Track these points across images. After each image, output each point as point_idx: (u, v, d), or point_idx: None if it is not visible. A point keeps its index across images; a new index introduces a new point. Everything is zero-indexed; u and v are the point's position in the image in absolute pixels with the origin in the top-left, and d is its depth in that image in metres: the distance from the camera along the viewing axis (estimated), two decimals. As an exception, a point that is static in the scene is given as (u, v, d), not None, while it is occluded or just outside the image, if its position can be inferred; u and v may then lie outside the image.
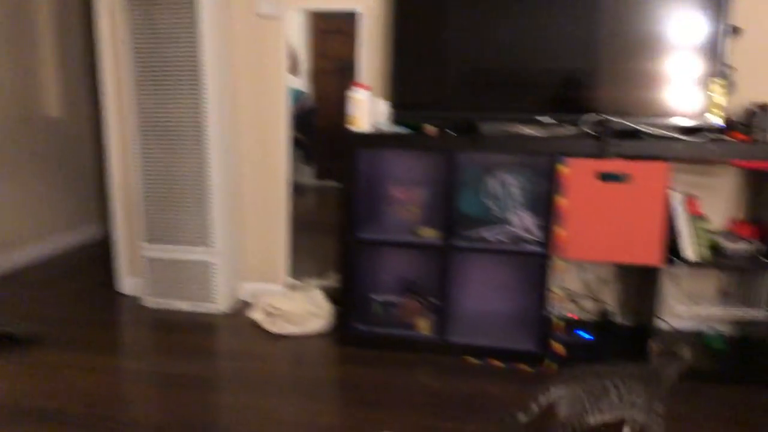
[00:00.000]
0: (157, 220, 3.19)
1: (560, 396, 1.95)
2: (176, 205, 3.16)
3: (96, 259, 4.23)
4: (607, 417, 1.98)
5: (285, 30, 3.12)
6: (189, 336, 2.94)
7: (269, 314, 3.01)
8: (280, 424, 2.19)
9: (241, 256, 3.38)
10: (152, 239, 3.22)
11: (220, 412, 2.26)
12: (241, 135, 3.27)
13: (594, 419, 1.95)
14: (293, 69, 3.23)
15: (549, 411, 1.99)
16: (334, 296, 3.11)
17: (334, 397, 2.39)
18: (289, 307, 2.97)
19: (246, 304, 3.32)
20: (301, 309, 2.99)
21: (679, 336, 2.82)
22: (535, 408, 1.93)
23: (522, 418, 1.93)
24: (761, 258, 2.54)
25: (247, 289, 3.39)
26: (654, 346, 2.23)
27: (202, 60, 2.97)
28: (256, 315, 3.06)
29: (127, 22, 3.01)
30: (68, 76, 4.40)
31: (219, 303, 3.23)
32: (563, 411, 1.95)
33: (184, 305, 3.26)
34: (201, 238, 3.17)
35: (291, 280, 3.31)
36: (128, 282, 3.52)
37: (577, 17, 2.61)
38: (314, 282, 3.28)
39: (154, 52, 3.01)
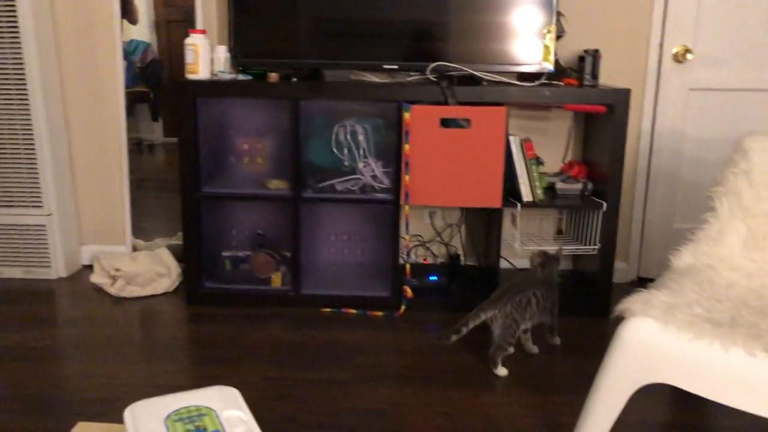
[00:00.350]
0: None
1: (493, 316, 2.22)
2: (1, 165, 2.88)
3: None
4: (530, 324, 2.30)
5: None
6: (24, 305, 2.72)
7: (112, 277, 2.85)
8: (127, 387, 2.09)
9: (79, 218, 3.16)
10: (-27, 203, 2.93)
11: (62, 382, 2.12)
12: (70, 90, 3.01)
13: (524, 326, 2.28)
14: (131, 18, 3.00)
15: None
16: (183, 255, 2.99)
17: (183, 356, 2.32)
18: (133, 269, 2.83)
19: (87, 269, 3.12)
20: (147, 269, 2.85)
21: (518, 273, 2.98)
22: (464, 330, 2.20)
23: (453, 338, 2.20)
24: (591, 197, 2.71)
25: (88, 253, 3.18)
26: (533, 255, 2.41)
27: (19, 7, 2.68)
28: (98, 278, 2.88)
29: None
30: None
31: (56, 268, 3.01)
32: (498, 330, 2.22)
33: (18, 272, 3.01)
34: (32, 199, 2.92)
35: (136, 241, 3.14)
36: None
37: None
38: (161, 241, 3.14)
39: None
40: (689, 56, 2.85)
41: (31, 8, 2.73)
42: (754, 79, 2.90)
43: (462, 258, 3.08)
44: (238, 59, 2.69)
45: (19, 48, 2.77)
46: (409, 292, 2.67)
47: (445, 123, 2.55)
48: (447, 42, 2.66)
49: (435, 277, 2.84)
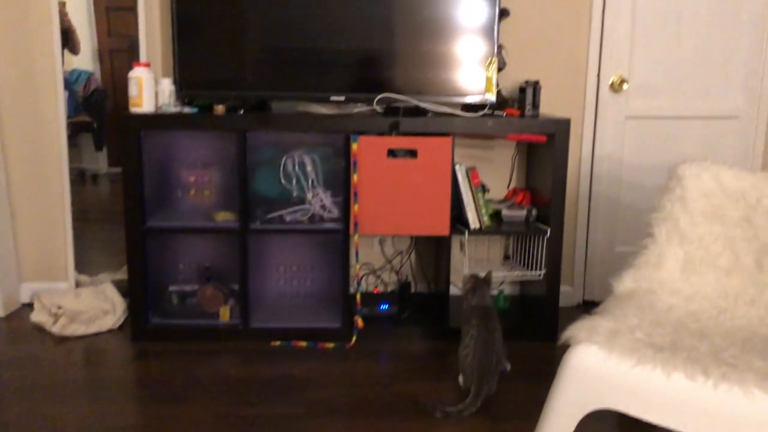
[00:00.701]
0: None
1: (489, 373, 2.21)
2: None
3: None
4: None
5: (55, 4, 2.82)
6: (-44, 348, 2.61)
7: (54, 315, 2.76)
8: (73, 431, 2.01)
9: (18, 254, 3.05)
10: None
11: (2, 428, 2.04)
12: (7, 121, 2.93)
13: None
14: (73, 48, 2.95)
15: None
16: (126, 290, 2.92)
17: (129, 396, 2.25)
18: (76, 306, 2.75)
19: (27, 307, 3.01)
20: (91, 306, 2.77)
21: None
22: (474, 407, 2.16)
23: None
24: (536, 222, 2.78)
25: (28, 290, 3.07)
26: (464, 280, 2.42)
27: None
28: (39, 317, 2.79)
29: None
30: None
31: (-7, 308, 2.90)
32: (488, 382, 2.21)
33: (-49, 314, 2.89)
34: (-34, 237, 2.82)
35: (79, 276, 3.05)
36: None
37: (364, -3, 2.65)
38: (106, 276, 3.06)
39: None
40: (625, 86, 2.96)
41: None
42: (687, 107, 3.03)
43: (413, 285, 3.10)
44: (183, 91, 2.67)
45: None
46: (360, 322, 2.66)
47: (392, 153, 2.58)
48: (393, 73, 2.70)
49: (386, 306, 2.85)
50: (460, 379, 2.30)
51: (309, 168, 2.71)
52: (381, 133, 2.58)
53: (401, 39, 2.67)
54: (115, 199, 3.12)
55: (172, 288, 2.89)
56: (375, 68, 2.70)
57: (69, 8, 2.88)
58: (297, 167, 2.71)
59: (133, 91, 2.54)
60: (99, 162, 3.11)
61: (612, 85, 2.99)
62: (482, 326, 2.23)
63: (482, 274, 2.43)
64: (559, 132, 2.59)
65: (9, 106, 2.93)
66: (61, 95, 2.91)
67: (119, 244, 3.02)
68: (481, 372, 2.17)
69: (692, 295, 1.99)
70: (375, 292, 3.01)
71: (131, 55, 2.93)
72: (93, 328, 2.75)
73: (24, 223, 3.04)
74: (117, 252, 3.06)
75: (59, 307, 2.75)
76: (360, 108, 2.78)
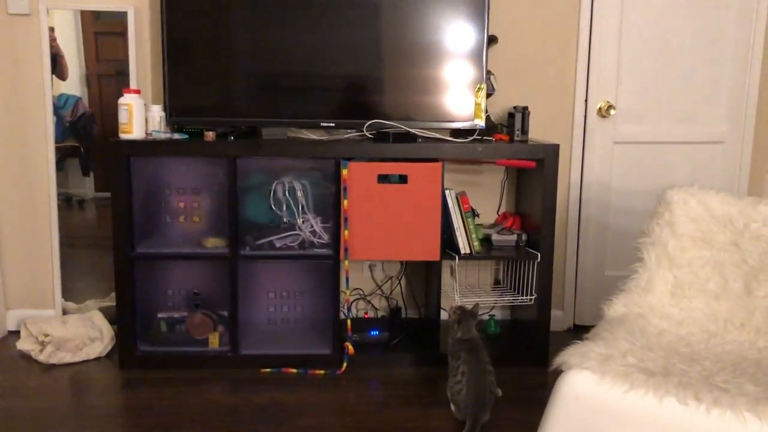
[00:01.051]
0: None
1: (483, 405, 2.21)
2: None
3: None
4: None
5: (45, 30, 2.83)
6: (-60, 378, 2.57)
7: (41, 343, 2.72)
8: (50, 464, 1.98)
9: (4, 281, 3.02)
10: None
11: (-24, 462, 1.99)
12: (-4, 146, 2.93)
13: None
14: (61, 74, 2.95)
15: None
16: (115, 317, 2.89)
17: (118, 425, 2.22)
18: (63, 333, 2.71)
19: (14, 335, 2.97)
20: (78, 334, 2.74)
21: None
22: None
23: None
24: (526, 247, 2.78)
25: (14, 318, 3.03)
26: (451, 311, 2.44)
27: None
28: (25, 345, 2.75)
29: None
30: None
31: (-22, 336, 2.86)
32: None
33: (-65, 342, 2.85)
34: (-48, 264, 2.79)
35: (66, 303, 3.02)
36: None
37: (357, 25, 2.67)
38: (93, 303, 3.03)
39: None
40: (612, 111, 3.00)
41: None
42: (674, 132, 3.07)
43: (403, 311, 3.09)
44: (173, 118, 2.67)
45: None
46: (350, 348, 2.65)
47: (382, 178, 2.59)
48: (382, 99, 2.72)
49: (376, 332, 2.83)
50: (453, 408, 2.28)
51: (299, 194, 2.71)
52: (368, 159, 2.59)
53: (391, 65, 2.70)
54: (101, 225, 3.10)
55: (160, 315, 2.86)
56: (364, 94, 2.72)
57: (57, 33, 2.89)
58: (287, 193, 2.71)
59: (123, 117, 2.54)
60: (86, 187, 3.09)
61: (600, 110, 3.02)
62: (472, 360, 2.23)
63: (469, 306, 2.43)
64: (548, 157, 2.61)
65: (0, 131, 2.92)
66: (50, 120, 2.90)
67: (106, 270, 3.00)
68: (476, 406, 2.16)
69: (682, 319, 2.00)
70: (365, 317, 2.99)
71: (119, 80, 2.93)
72: (80, 356, 2.72)
73: (10, 248, 3.01)
74: (104, 278, 3.04)
75: (46, 335, 2.72)
76: (350, 134, 2.79)
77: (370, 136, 2.73)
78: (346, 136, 2.79)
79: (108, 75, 2.98)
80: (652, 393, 1.53)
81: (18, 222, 3.00)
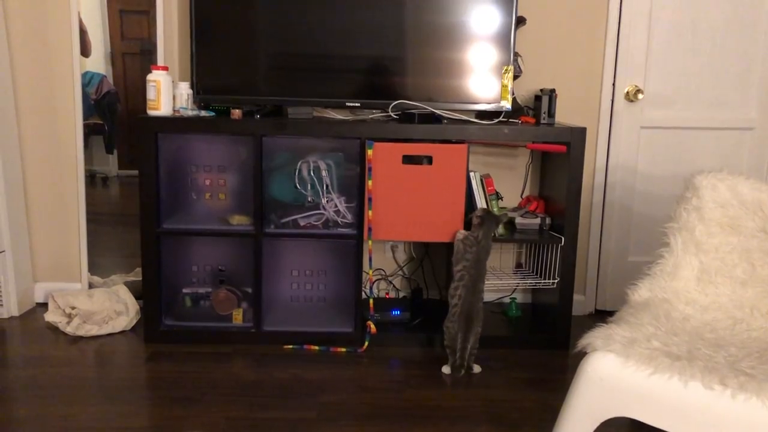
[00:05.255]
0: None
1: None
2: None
3: None
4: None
5: (75, 7, 2.86)
6: (-29, 346, 2.63)
7: (68, 315, 2.77)
8: (85, 431, 2.02)
9: (32, 254, 3.08)
10: None
11: (12, 426, 2.04)
12: (25, 123, 2.96)
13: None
14: (84, 51, 2.98)
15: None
16: (141, 292, 2.94)
17: (142, 397, 2.26)
18: (90, 306, 2.76)
19: (41, 307, 3.03)
20: (104, 307, 2.78)
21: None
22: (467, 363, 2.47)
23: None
24: (550, 231, 2.77)
25: (42, 290, 3.09)
26: (474, 214, 2.54)
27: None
28: (53, 317, 2.80)
29: None
30: None
31: (8, 307, 2.91)
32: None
33: (-35, 312, 2.92)
34: (-17, 236, 2.84)
35: (92, 277, 3.07)
36: None
37: (383, 6, 2.65)
38: (118, 278, 3.07)
39: None
40: (640, 96, 2.96)
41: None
42: (702, 117, 3.03)
43: (425, 291, 3.10)
44: (200, 95, 2.69)
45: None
46: (372, 327, 2.67)
47: (407, 159, 2.59)
48: (408, 79, 2.71)
49: (398, 312, 2.85)
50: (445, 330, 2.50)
51: (323, 173, 2.72)
52: (393, 140, 2.59)
53: (416, 46, 2.69)
54: (125, 202, 3.14)
55: (185, 290, 2.90)
56: (390, 74, 2.71)
57: (82, 10, 2.91)
58: (312, 172, 2.73)
59: (151, 94, 2.56)
60: (109, 164, 3.13)
61: (627, 94, 2.99)
62: (474, 269, 2.43)
63: (495, 212, 2.63)
64: (574, 141, 2.60)
65: (27, 106, 2.96)
66: (79, 97, 2.93)
67: (131, 245, 3.04)
68: (468, 315, 2.40)
69: (708, 305, 1.98)
70: (387, 297, 3.01)
71: (143, 59, 2.95)
72: (106, 329, 2.77)
73: (39, 223, 3.06)
74: (129, 254, 3.08)
75: (73, 308, 2.77)
76: (375, 114, 2.79)
77: (395, 116, 2.72)
78: (371, 116, 2.79)
79: (132, 53, 3.00)
80: (677, 377, 1.53)
81: (46, 197, 3.05)
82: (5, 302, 2.91)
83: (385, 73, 2.71)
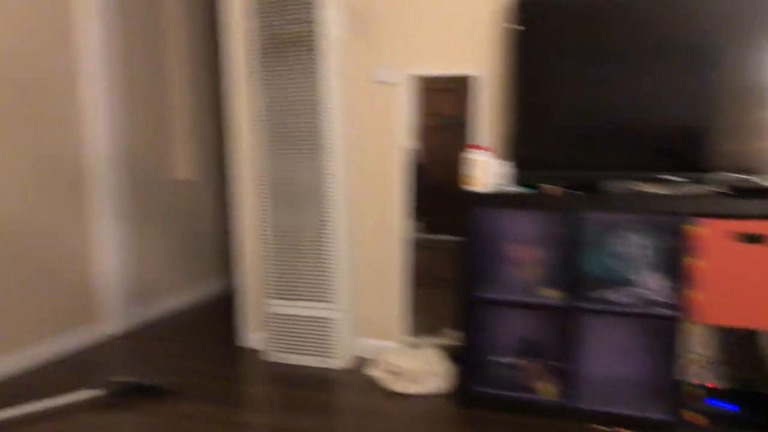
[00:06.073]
0: (281, 276, 3.32)
1: None
2: (299, 262, 3.28)
3: (216, 313, 4.42)
4: None
5: (401, 93, 3.22)
6: (311, 391, 3.00)
7: (391, 372, 3.03)
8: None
9: (358, 313, 3.45)
10: (275, 295, 3.35)
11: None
12: (360, 194, 3.37)
13: None
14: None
15: None
16: (450, 355, 3.10)
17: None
18: (410, 366, 2.99)
19: (363, 360, 3.36)
20: (421, 368, 2.99)
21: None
22: None
23: None
24: None
25: (363, 345, 3.44)
26: None
27: (327, 129, 3.13)
28: (376, 372, 3.08)
29: (260, 97, 3.22)
30: (196, 142, 4.71)
31: (338, 359, 3.29)
32: None
33: (305, 360, 3.35)
34: (322, 294, 3.26)
35: (407, 338, 3.33)
36: (249, 336, 3.65)
37: (694, 70, 2.55)
38: (429, 340, 3.29)
39: (283, 123, 3.20)
40: None
41: (335, 127, 3.17)
42: None
43: (755, 384, 2.78)
44: (521, 173, 2.80)
45: (321, 159, 3.18)
46: (699, 418, 2.46)
47: (743, 237, 2.39)
48: (725, 147, 2.52)
49: (726, 404, 2.59)
50: None
51: (638, 249, 2.64)
52: (720, 216, 2.41)
53: (730, 112, 2.49)
54: (430, 265, 3.34)
55: (491, 358, 2.99)
56: (702, 144, 2.55)
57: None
58: (625, 248, 2.66)
59: (470, 170, 2.74)
60: (412, 229, 3.38)
61: None
62: None
63: None
64: None
65: (364, 181, 3.37)
66: (402, 170, 3.26)
67: (435, 308, 3.24)
68: None
69: None
70: (708, 386, 2.77)
71: (441, 133, 3.18)
72: (424, 389, 2.96)
73: (366, 284, 3.43)
74: (434, 316, 3.27)
75: (393, 365, 3.02)
76: (692, 187, 2.65)
77: (718, 190, 2.55)
78: (687, 189, 2.65)
79: (433, 127, 3.26)
80: None
81: (375, 261, 3.40)
82: (337, 354, 3.29)
83: (697, 143, 2.57)
